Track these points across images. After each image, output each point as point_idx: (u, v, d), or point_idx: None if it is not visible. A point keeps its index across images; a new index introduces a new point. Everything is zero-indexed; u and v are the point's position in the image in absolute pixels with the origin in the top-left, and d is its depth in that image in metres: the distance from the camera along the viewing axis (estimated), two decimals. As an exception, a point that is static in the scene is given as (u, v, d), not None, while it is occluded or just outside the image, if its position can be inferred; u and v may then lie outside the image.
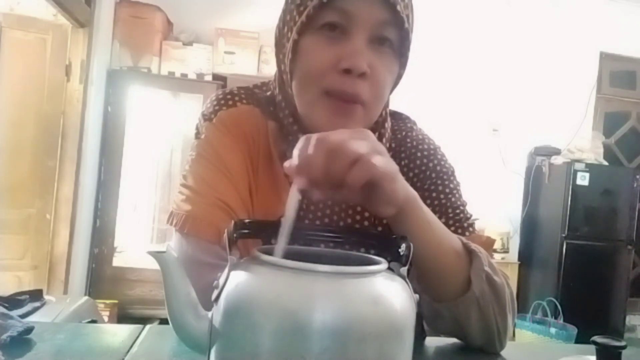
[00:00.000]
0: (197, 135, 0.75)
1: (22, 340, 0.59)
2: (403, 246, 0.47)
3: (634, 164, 4.15)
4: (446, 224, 0.72)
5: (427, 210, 0.62)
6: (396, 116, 0.85)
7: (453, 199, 0.79)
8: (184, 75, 3.12)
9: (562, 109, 3.87)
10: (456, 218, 0.77)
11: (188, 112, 3.28)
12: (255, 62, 3.25)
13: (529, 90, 3.80)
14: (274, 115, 0.74)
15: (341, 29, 0.65)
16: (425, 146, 0.82)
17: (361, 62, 0.64)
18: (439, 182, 0.79)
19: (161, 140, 3.44)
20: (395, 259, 0.46)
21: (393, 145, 0.81)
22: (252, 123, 0.74)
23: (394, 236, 0.50)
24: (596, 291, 3.53)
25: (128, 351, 0.60)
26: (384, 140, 0.77)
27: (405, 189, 0.57)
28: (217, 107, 0.75)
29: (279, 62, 0.73)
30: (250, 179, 0.72)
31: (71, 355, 0.57)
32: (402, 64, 0.71)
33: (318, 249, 0.52)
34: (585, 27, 3.88)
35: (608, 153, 3.88)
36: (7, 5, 2.78)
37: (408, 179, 0.75)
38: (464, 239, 0.67)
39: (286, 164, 0.50)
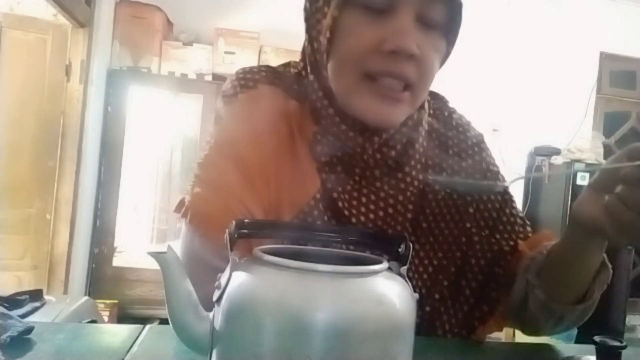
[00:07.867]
0: (217, 119, 0.70)
1: (22, 340, 0.59)
2: (402, 246, 0.47)
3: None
4: (507, 222, 0.71)
5: None
6: (431, 94, 0.79)
7: (509, 201, 0.76)
8: (184, 75, 3.12)
9: (562, 109, 3.87)
10: (517, 216, 0.75)
11: (188, 112, 3.28)
12: (255, 62, 3.23)
13: (529, 90, 3.80)
14: (301, 95, 0.69)
15: (386, 6, 0.59)
16: (473, 133, 0.79)
17: (410, 43, 0.58)
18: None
19: (161, 140, 3.44)
20: (394, 259, 0.46)
21: (435, 125, 0.76)
22: (274, 105, 0.68)
23: (393, 236, 0.50)
24: (596, 291, 3.52)
25: (128, 351, 0.60)
26: (423, 120, 0.72)
27: None
28: (237, 89, 0.69)
29: (312, 40, 0.67)
30: (272, 165, 0.66)
31: (71, 355, 0.57)
32: (451, 42, 0.65)
33: (316, 249, 0.52)
34: (585, 27, 3.87)
35: (608, 153, 3.87)
36: (7, 5, 2.78)
37: (455, 164, 0.73)
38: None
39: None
